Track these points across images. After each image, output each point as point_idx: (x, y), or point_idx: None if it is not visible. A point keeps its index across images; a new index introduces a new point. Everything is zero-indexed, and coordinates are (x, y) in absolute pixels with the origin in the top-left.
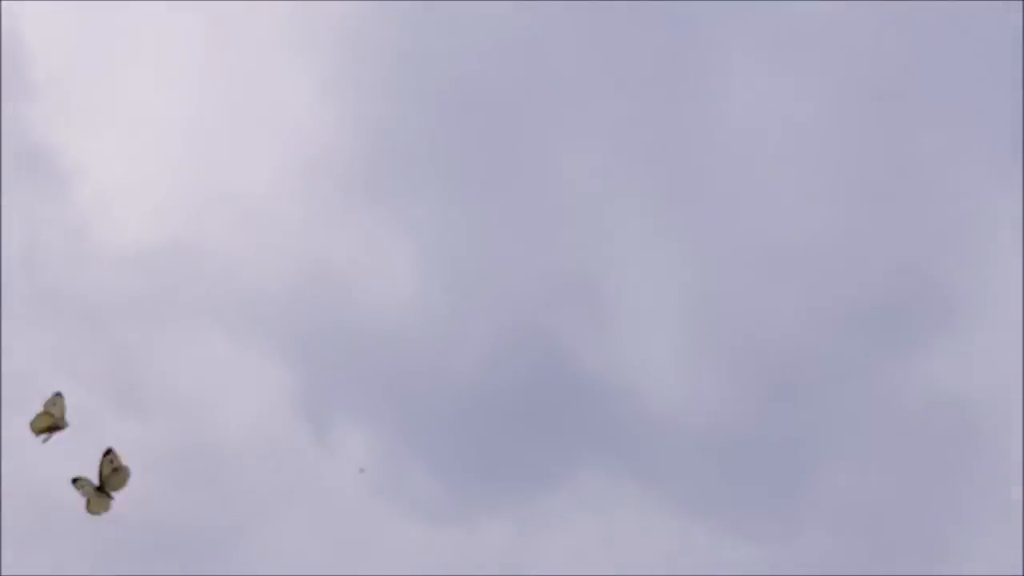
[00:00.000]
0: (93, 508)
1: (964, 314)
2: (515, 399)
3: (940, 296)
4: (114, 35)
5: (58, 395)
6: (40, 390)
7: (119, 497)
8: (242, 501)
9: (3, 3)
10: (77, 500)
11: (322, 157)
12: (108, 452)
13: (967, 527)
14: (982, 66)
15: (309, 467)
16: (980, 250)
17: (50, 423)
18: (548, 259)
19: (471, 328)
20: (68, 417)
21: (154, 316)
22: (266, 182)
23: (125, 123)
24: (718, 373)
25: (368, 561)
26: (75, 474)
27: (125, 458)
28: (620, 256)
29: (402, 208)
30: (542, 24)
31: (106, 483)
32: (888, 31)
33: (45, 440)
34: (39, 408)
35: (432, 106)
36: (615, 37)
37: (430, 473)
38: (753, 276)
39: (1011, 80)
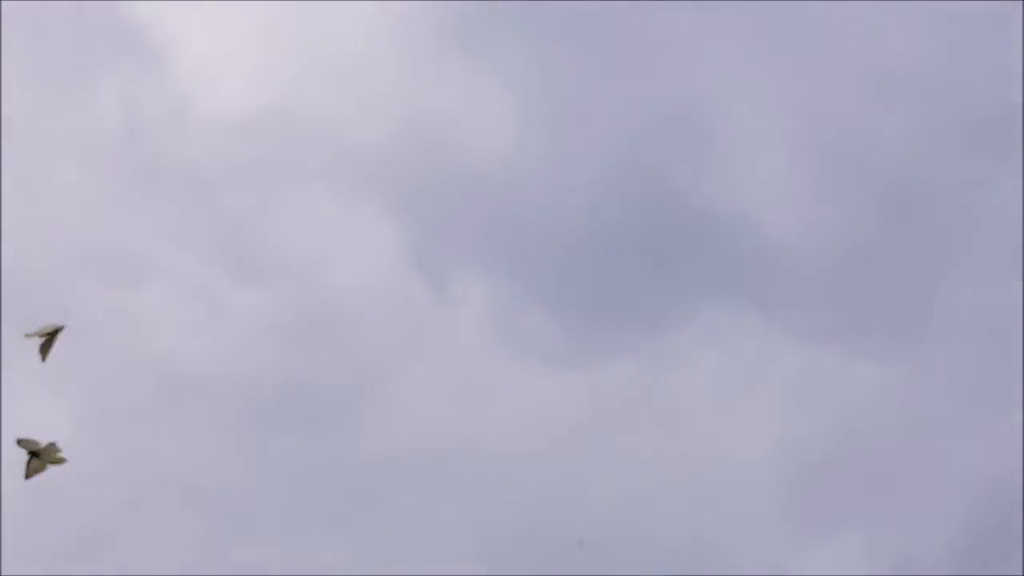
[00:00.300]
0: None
1: None
2: (629, 237)
3: None
4: None
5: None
6: (156, 265)
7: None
8: (364, 360)
9: None
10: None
11: (416, 9)
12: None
13: None
14: None
15: (428, 320)
16: None
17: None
18: (651, 94)
19: (578, 169)
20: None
21: (261, 182)
22: (362, 39)
23: None
24: (832, 195)
25: (493, 410)
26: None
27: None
28: (725, 85)
29: (500, 54)
30: None
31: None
32: None
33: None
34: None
35: None
36: None
37: (550, 318)
38: (861, 96)
39: None
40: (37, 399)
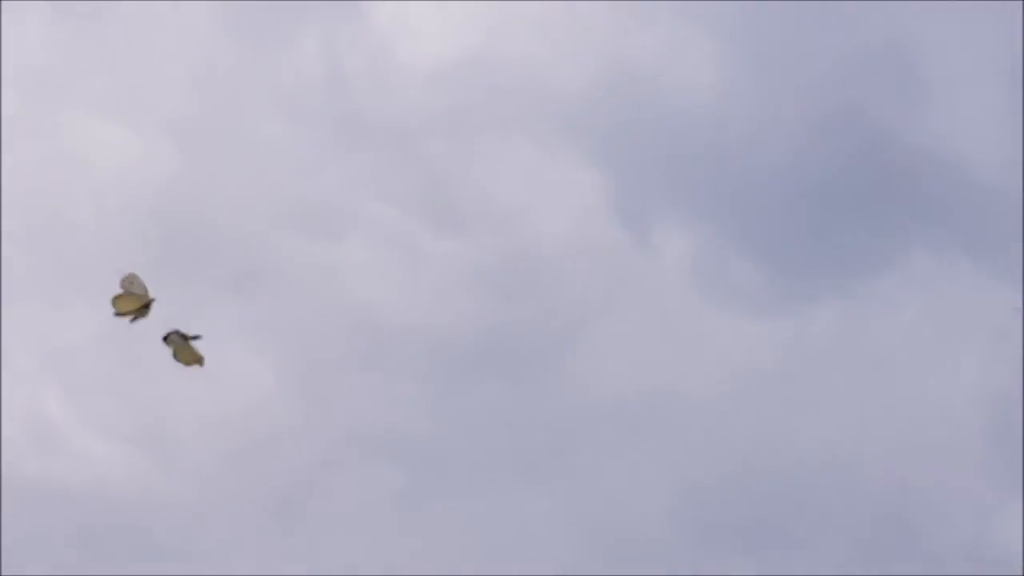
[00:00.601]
0: (183, 358)
1: None
2: (835, 180)
3: None
4: None
5: (132, 275)
6: (357, 217)
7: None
8: (565, 308)
9: None
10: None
11: None
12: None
13: None
14: None
15: (629, 268)
16: None
17: (135, 304)
18: (857, 32)
19: (782, 113)
20: (151, 291)
21: (462, 131)
22: None
23: None
24: None
25: (696, 359)
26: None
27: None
28: (934, 21)
29: None
30: None
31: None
32: None
33: (133, 321)
34: (117, 289)
35: None
36: None
37: (753, 264)
38: None
39: None
40: (238, 354)
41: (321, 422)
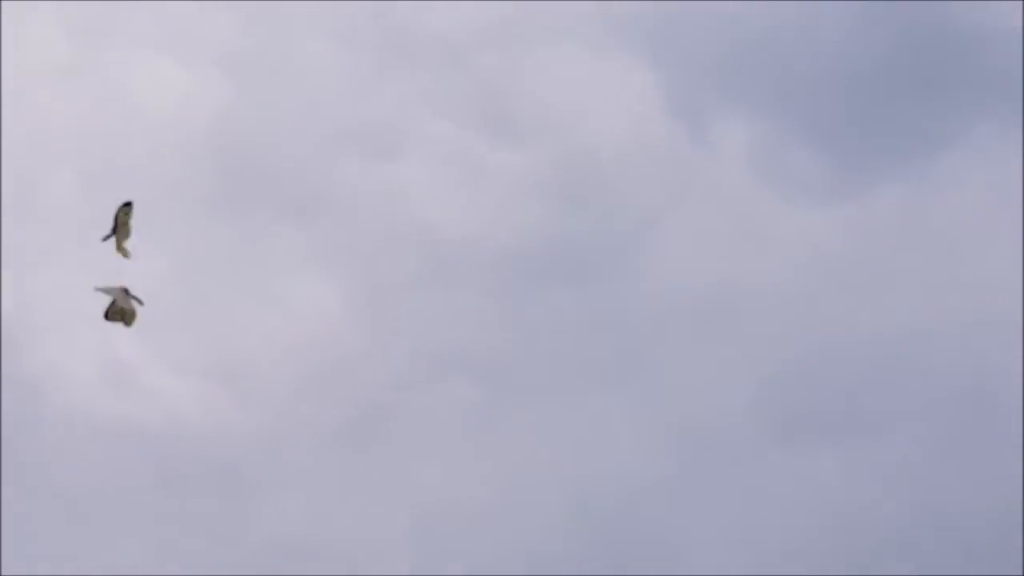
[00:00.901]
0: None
1: None
2: (894, 60)
3: None
4: None
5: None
6: (413, 135)
7: None
8: (629, 211)
9: None
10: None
11: None
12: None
13: None
14: None
15: (690, 165)
16: None
17: (123, 316)
18: None
19: None
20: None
21: (512, 42)
22: None
23: None
24: None
25: (763, 250)
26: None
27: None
28: None
29: None
30: None
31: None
32: None
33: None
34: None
35: None
36: None
37: (814, 151)
38: None
39: None
40: (304, 279)
41: (391, 343)
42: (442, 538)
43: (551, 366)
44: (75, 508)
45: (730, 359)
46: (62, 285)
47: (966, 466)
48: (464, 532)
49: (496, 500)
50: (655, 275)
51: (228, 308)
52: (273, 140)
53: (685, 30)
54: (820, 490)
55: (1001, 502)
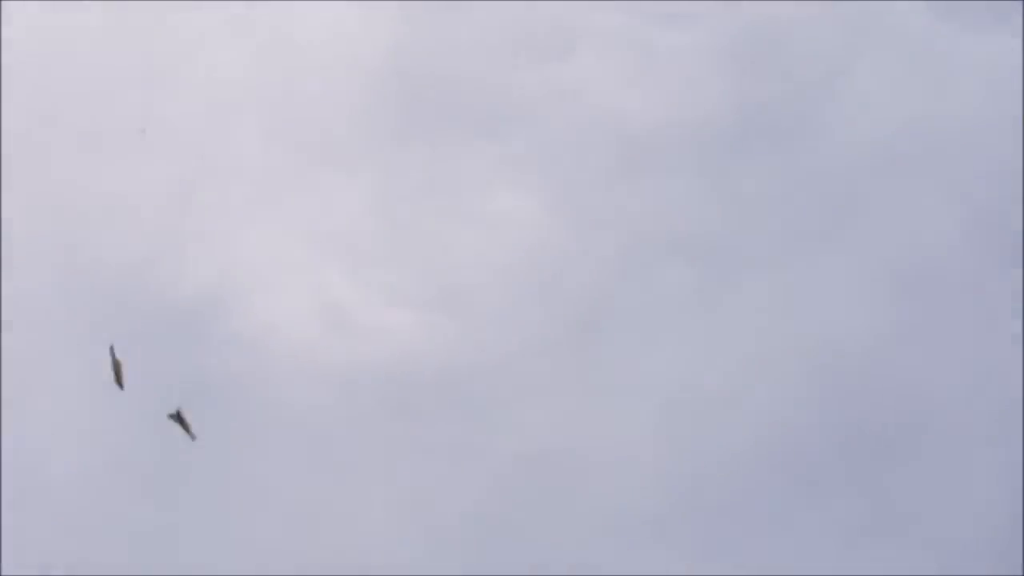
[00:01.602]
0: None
1: None
2: None
3: None
4: None
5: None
6: (581, 30)
7: None
8: (813, 70)
9: None
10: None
11: None
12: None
13: None
14: None
15: (866, 14)
16: None
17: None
18: None
19: None
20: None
21: None
22: None
23: None
24: None
25: (952, 83)
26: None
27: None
28: None
29: None
30: None
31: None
32: None
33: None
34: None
35: None
36: None
37: None
38: None
39: None
40: (503, 192)
41: (599, 239)
42: (692, 425)
43: (764, 236)
44: (319, 457)
45: (941, 195)
46: (261, 242)
47: None
48: (714, 416)
49: (737, 378)
50: (852, 127)
51: (432, 234)
52: (447, 61)
53: None
54: None
55: None
